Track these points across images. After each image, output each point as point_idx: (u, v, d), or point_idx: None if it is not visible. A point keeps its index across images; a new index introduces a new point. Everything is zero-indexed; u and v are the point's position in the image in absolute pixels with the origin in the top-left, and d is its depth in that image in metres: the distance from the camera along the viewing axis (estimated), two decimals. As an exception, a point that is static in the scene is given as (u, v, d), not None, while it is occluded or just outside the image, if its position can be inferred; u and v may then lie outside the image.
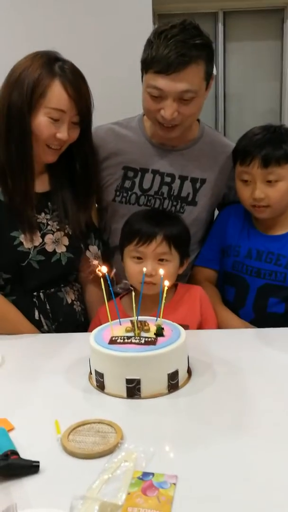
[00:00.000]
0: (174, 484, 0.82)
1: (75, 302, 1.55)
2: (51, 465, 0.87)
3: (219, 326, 1.50)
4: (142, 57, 1.39)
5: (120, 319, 1.21)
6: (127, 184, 1.53)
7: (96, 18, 3.21)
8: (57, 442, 0.93)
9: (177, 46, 1.29)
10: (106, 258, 1.60)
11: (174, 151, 1.53)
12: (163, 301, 1.18)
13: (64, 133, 1.33)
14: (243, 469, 0.85)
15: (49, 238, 1.45)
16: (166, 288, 1.18)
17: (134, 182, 1.52)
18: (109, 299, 1.23)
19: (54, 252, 1.45)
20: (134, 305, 1.16)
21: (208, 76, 1.40)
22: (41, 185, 1.46)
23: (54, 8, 3.22)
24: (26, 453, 0.88)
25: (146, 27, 3.25)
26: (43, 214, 1.45)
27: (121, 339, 1.12)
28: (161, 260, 1.39)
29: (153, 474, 0.84)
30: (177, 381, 1.11)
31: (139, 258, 1.39)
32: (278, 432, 0.95)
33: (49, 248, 1.44)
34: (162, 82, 1.32)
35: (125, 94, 3.09)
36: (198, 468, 0.86)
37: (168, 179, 1.52)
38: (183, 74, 1.31)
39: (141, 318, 1.19)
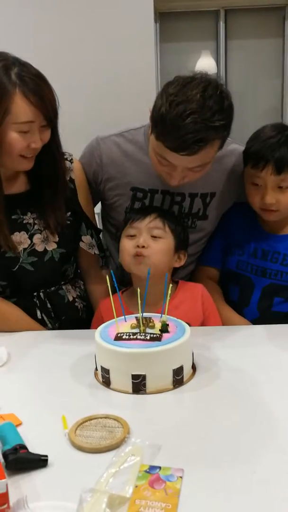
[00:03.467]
0: (181, 477, 0.83)
1: (76, 300, 1.55)
2: (59, 459, 0.88)
3: (221, 325, 1.51)
4: (152, 116, 1.26)
5: (125, 316, 1.22)
6: (137, 205, 1.51)
7: (97, 16, 3.22)
8: (64, 437, 0.95)
9: (194, 129, 1.16)
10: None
11: None
12: (168, 297, 1.20)
13: (38, 142, 1.29)
14: (249, 463, 0.86)
15: (37, 238, 1.43)
16: (170, 286, 1.19)
17: (144, 204, 1.50)
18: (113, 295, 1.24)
19: (45, 251, 1.44)
20: (139, 301, 1.17)
21: (222, 145, 1.32)
22: (20, 185, 1.44)
23: (55, 6, 3.22)
24: (34, 448, 0.89)
25: (147, 26, 3.27)
26: (29, 214, 1.43)
27: (126, 335, 1.13)
28: (154, 237, 1.39)
29: (160, 467, 0.85)
30: (182, 377, 1.12)
31: (132, 236, 1.40)
32: (283, 426, 0.96)
33: (39, 248, 1.43)
34: (172, 158, 1.25)
35: (126, 92, 3.10)
36: (204, 462, 0.87)
37: (178, 199, 1.49)
38: (196, 156, 1.23)
39: (146, 314, 1.20)
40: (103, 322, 1.25)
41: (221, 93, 1.22)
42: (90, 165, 1.53)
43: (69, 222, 1.49)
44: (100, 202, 1.65)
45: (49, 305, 1.48)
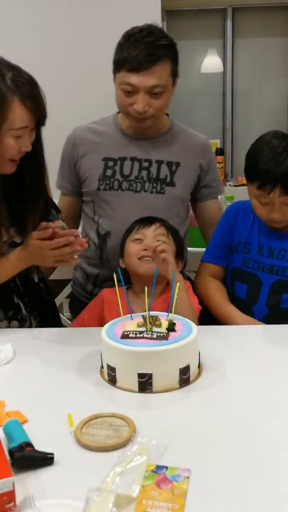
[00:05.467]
0: (188, 477, 0.82)
1: (40, 281, 1.58)
2: (65, 457, 0.88)
3: (226, 324, 1.51)
4: (114, 59, 1.54)
5: (132, 314, 1.22)
6: (109, 172, 1.65)
7: (104, 14, 3.21)
8: (70, 435, 0.94)
9: (146, 47, 1.46)
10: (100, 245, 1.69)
11: (148, 140, 1.66)
12: (175, 296, 1.19)
13: (28, 146, 1.30)
14: (256, 463, 0.86)
15: (14, 230, 1.43)
16: (177, 285, 1.21)
17: (115, 170, 1.64)
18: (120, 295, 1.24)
19: (22, 242, 1.43)
20: (146, 300, 1.17)
21: (174, 73, 1.56)
22: None
23: (61, 3, 3.21)
24: (40, 446, 0.89)
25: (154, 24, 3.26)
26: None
27: (133, 333, 1.13)
28: (159, 241, 1.47)
29: (166, 467, 0.84)
30: (189, 376, 1.11)
31: (139, 239, 1.50)
32: (290, 428, 0.96)
33: (18, 239, 1.43)
34: (134, 79, 1.48)
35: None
36: (211, 462, 0.87)
37: (145, 164, 1.65)
38: (152, 71, 1.47)
39: (152, 313, 1.20)
40: (102, 307, 1.33)
41: (163, 30, 1.57)
42: (68, 152, 1.71)
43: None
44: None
45: (21, 289, 1.50)
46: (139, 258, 1.47)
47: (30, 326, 1.49)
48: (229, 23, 3.64)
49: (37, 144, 1.36)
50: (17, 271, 1.43)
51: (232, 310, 1.54)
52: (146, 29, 1.50)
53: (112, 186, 1.64)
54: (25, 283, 1.51)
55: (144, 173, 1.64)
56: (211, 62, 3.70)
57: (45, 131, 1.38)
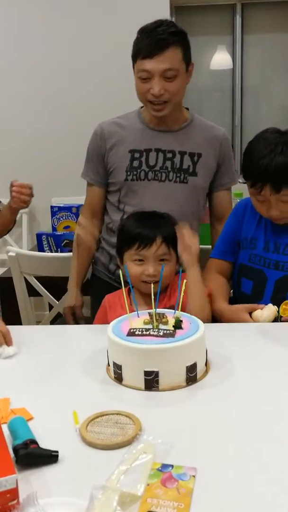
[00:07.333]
0: (194, 476, 0.81)
1: None
2: (70, 455, 0.87)
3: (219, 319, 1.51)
4: (132, 53, 1.64)
5: (138, 311, 1.21)
6: (135, 163, 1.72)
7: (113, 11, 3.20)
8: (75, 432, 0.94)
9: (156, 35, 1.58)
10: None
11: (171, 132, 1.74)
12: (182, 293, 1.18)
13: None
14: (263, 462, 0.85)
15: None
16: (184, 285, 1.19)
17: (141, 161, 1.71)
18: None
19: None
20: (153, 297, 1.16)
21: (187, 59, 1.63)
22: None
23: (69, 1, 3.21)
24: (45, 443, 0.88)
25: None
26: None
27: (139, 331, 1.12)
28: (162, 260, 1.43)
29: (172, 466, 0.83)
30: (195, 374, 1.10)
31: (140, 260, 1.44)
32: (298, 427, 0.94)
33: None
34: (149, 65, 1.58)
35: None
36: (217, 461, 0.86)
37: (169, 155, 1.72)
38: (163, 55, 1.57)
39: (159, 310, 1.19)
40: (106, 315, 1.27)
41: (173, 22, 1.67)
42: (96, 145, 1.76)
43: None
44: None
45: None
46: (142, 281, 1.43)
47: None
48: (238, 19, 3.61)
49: None
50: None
51: (221, 306, 1.53)
52: (156, 22, 1.62)
53: (139, 176, 1.72)
54: None
55: (168, 163, 1.72)
56: (220, 59, 3.68)
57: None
